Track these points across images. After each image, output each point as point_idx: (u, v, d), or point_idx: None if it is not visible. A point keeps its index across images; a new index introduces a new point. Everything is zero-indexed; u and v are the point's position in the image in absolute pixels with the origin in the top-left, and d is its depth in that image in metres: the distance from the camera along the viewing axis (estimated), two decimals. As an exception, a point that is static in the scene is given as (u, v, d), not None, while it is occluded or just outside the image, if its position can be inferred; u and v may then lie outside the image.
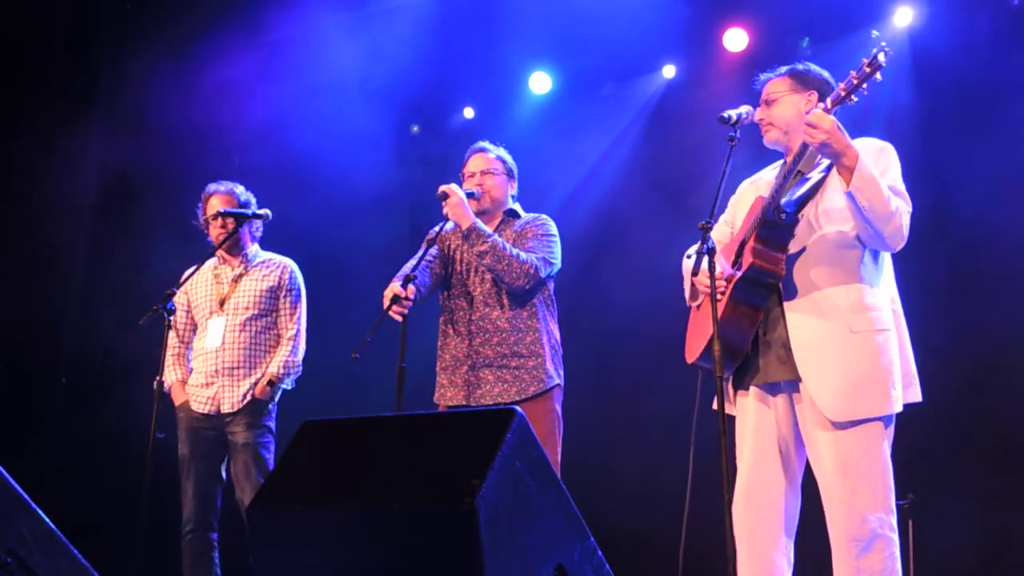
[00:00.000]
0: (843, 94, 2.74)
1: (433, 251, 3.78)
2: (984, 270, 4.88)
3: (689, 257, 2.95)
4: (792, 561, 2.97)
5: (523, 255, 3.60)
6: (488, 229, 3.67)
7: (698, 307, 3.20)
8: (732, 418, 3.11)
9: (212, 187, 4.46)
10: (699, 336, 3.08)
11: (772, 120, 3.09)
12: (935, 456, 4.76)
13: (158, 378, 3.97)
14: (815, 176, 2.98)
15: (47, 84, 6.32)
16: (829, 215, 2.91)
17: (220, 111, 6.18)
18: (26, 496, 2.50)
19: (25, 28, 6.14)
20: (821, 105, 2.78)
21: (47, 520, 2.52)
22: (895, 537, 2.81)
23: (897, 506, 4.41)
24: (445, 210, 3.63)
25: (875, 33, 2.70)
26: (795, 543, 3.00)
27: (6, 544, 2.40)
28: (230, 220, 4.31)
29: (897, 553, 2.80)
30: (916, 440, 4.73)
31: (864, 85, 2.71)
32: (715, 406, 3.16)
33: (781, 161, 3.19)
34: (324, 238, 5.76)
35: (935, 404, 4.79)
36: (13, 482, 2.50)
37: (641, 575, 4.82)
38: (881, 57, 2.64)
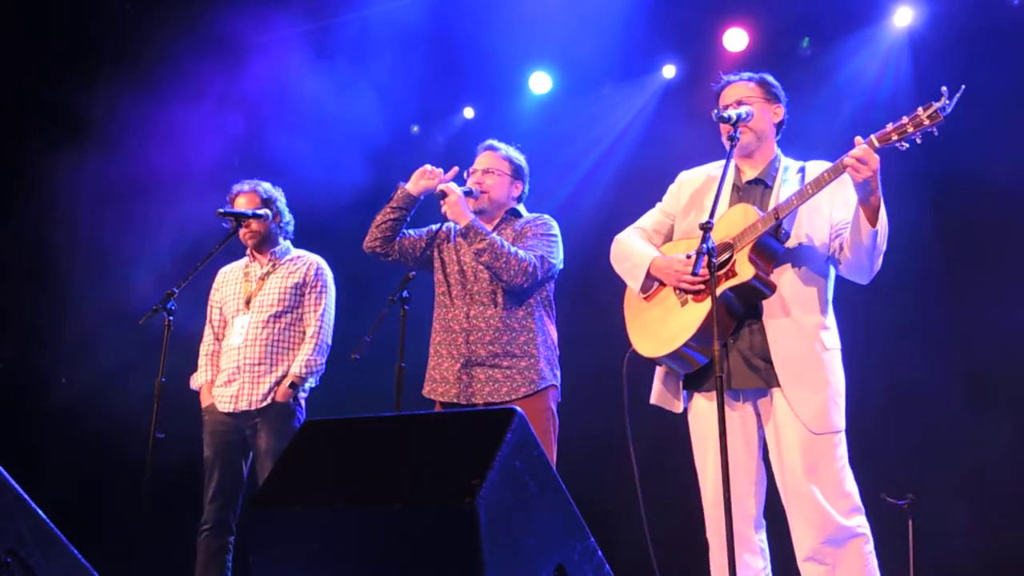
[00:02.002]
0: (894, 137, 2.74)
1: (419, 233, 3.83)
2: (986, 270, 4.88)
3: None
4: (767, 555, 3.04)
5: (521, 253, 3.60)
6: (486, 227, 3.67)
7: (647, 298, 3.18)
8: (674, 415, 3.18)
9: (236, 187, 4.46)
10: (664, 332, 3.07)
11: (749, 124, 3.10)
12: (935, 456, 4.76)
13: (159, 378, 3.97)
14: (788, 192, 3.00)
15: (47, 84, 6.32)
16: (809, 238, 3.00)
17: (220, 110, 6.18)
18: (26, 496, 2.50)
19: (25, 28, 6.14)
20: (862, 140, 2.76)
21: (47, 520, 2.52)
22: (868, 534, 2.89)
23: (897, 506, 4.45)
24: (444, 208, 3.64)
25: (943, 89, 2.68)
26: (777, 539, 3.04)
27: (6, 544, 2.40)
28: (253, 220, 4.32)
29: (872, 550, 2.88)
30: (916, 440, 4.75)
31: (918, 135, 2.70)
32: (658, 403, 3.21)
33: (725, 161, 3.21)
34: (322, 239, 5.76)
35: (935, 404, 4.81)
36: (13, 482, 2.50)
37: (636, 573, 4.82)
38: (940, 114, 2.65)
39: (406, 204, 3.76)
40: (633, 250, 3.24)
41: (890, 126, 2.75)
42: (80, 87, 6.49)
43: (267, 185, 4.48)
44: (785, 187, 3.04)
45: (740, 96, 3.14)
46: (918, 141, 2.72)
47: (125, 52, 6.50)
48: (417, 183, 3.76)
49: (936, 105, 2.66)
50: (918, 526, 4.48)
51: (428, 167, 3.78)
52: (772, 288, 2.93)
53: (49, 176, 6.18)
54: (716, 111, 3.08)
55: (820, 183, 2.86)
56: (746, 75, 3.20)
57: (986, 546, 4.64)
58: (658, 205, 3.38)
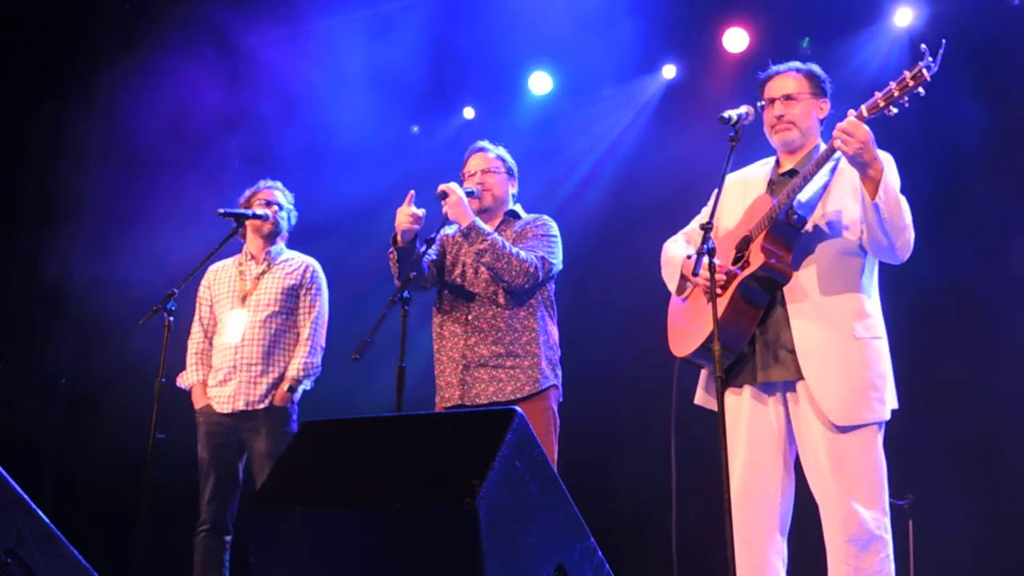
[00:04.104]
0: (881, 104, 2.72)
1: (432, 253, 3.77)
2: (985, 272, 4.88)
3: (695, 256, 2.96)
4: (786, 559, 2.99)
5: (523, 254, 3.58)
6: (488, 227, 3.65)
7: (684, 300, 3.20)
8: (712, 413, 3.14)
9: (263, 183, 4.50)
10: (690, 330, 3.08)
11: (794, 120, 3.06)
12: (935, 456, 4.76)
13: (159, 378, 3.97)
14: (820, 179, 2.98)
15: (46, 84, 6.32)
16: (836, 221, 2.94)
17: (218, 111, 6.18)
18: (26, 496, 2.50)
19: (24, 28, 6.14)
20: (853, 112, 2.75)
21: (47, 520, 2.52)
22: (889, 538, 2.84)
23: (897, 506, 4.45)
24: (444, 209, 3.61)
25: (923, 46, 2.66)
26: (789, 541, 3.01)
27: (6, 544, 2.40)
28: (270, 213, 4.35)
29: (892, 554, 2.83)
30: (916, 440, 4.74)
31: (905, 98, 2.69)
32: (701, 403, 3.18)
33: (771, 160, 3.20)
34: (322, 239, 5.77)
35: (935, 404, 4.81)
36: (13, 482, 2.50)
37: (639, 574, 4.83)
38: (925, 72, 2.62)
39: (408, 245, 3.62)
40: (672, 253, 3.25)
41: (878, 93, 2.74)
42: (80, 86, 6.49)
43: (290, 196, 4.53)
44: (816, 176, 2.97)
45: (787, 90, 3.08)
46: (906, 105, 2.70)
47: (125, 51, 6.49)
48: (404, 231, 3.60)
49: (921, 64, 2.64)
50: (918, 526, 4.48)
51: (404, 211, 3.59)
52: (787, 275, 2.89)
53: (49, 176, 6.18)
54: (759, 103, 3.07)
55: (819, 162, 2.85)
56: (795, 65, 3.13)
57: (986, 546, 4.64)
58: (703, 209, 3.37)
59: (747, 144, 3.14)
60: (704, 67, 5.94)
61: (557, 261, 3.75)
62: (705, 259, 2.74)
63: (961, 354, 4.88)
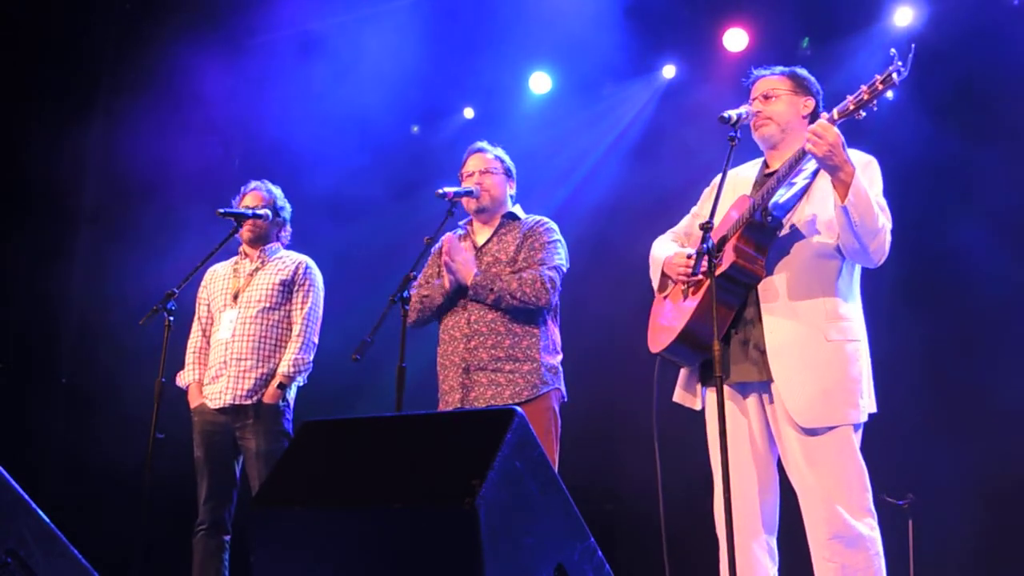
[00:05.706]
0: (852, 107, 2.74)
1: (430, 254, 3.78)
2: (984, 273, 4.88)
3: (692, 256, 2.97)
4: (776, 558, 2.99)
5: (527, 276, 3.59)
6: (488, 280, 3.61)
7: (665, 297, 3.21)
8: (695, 412, 3.15)
9: (253, 184, 4.50)
10: (665, 326, 3.10)
11: (772, 116, 3.09)
12: (935, 456, 4.76)
13: (159, 378, 3.97)
14: (800, 182, 2.99)
15: (47, 85, 6.32)
16: (812, 224, 2.94)
17: (220, 112, 6.18)
18: (26, 496, 2.50)
19: (25, 29, 6.15)
20: (826, 115, 2.78)
21: (47, 520, 2.52)
22: (877, 536, 2.82)
23: (897, 506, 4.45)
24: (453, 266, 3.61)
25: (893, 51, 2.68)
26: (784, 541, 3.01)
27: (6, 544, 2.40)
28: (254, 220, 4.34)
29: (881, 551, 2.81)
30: (915, 440, 4.75)
31: (874, 102, 2.71)
32: (679, 400, 3.19)
33: (760, 160, 3.21)
34: (323, 239, 5.77)
35: (935, 404, 4.82)
36: (13, 482, 2.50)
37: (639, 574, 4.82)
38: (895, 76, 2.65)
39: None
40: (656, 253, 3.28)
41: (849, 97, 2.76)
42: (81, 87, 6.50)
43: (278, 191, 4.51)
44: (799, 176, 2.99)
45: (767, 89, 3.12)
46: (874, 108, 2.73)
47: (126, 51, 6.50)
48: None
49: (891, 68, 2.66)
50: (918, 526, 4.48)
51: None
52: (757, 276, 2.90)
53: (50, 176, 6.18)
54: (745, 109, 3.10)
55: (792, 164, 2.88)
56: (778, 69, 3.18)
57: (986, 546, 4.64)
58: (692, 208, 3.39)
59: (746, 144, 3.15)
60: (704, 67, 5.94)
61: (566, 263, 3.78)
62: (704, 259, 2.74)
63: (962, 354, 4.89)
